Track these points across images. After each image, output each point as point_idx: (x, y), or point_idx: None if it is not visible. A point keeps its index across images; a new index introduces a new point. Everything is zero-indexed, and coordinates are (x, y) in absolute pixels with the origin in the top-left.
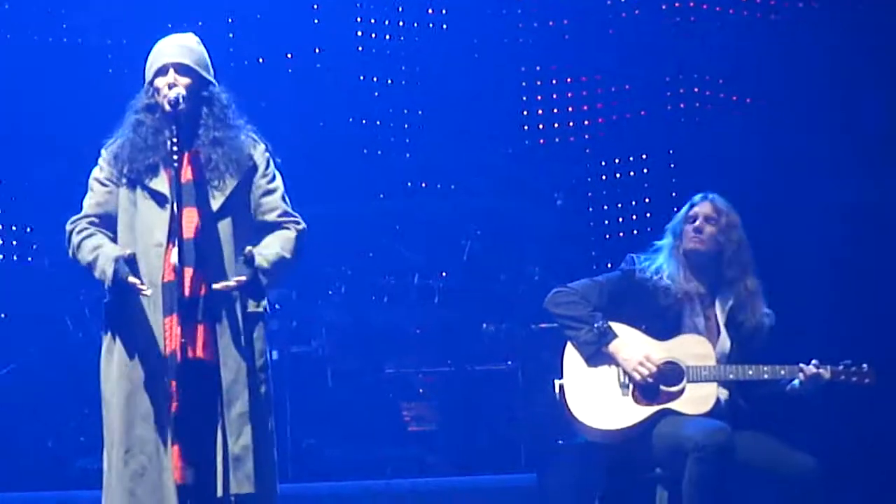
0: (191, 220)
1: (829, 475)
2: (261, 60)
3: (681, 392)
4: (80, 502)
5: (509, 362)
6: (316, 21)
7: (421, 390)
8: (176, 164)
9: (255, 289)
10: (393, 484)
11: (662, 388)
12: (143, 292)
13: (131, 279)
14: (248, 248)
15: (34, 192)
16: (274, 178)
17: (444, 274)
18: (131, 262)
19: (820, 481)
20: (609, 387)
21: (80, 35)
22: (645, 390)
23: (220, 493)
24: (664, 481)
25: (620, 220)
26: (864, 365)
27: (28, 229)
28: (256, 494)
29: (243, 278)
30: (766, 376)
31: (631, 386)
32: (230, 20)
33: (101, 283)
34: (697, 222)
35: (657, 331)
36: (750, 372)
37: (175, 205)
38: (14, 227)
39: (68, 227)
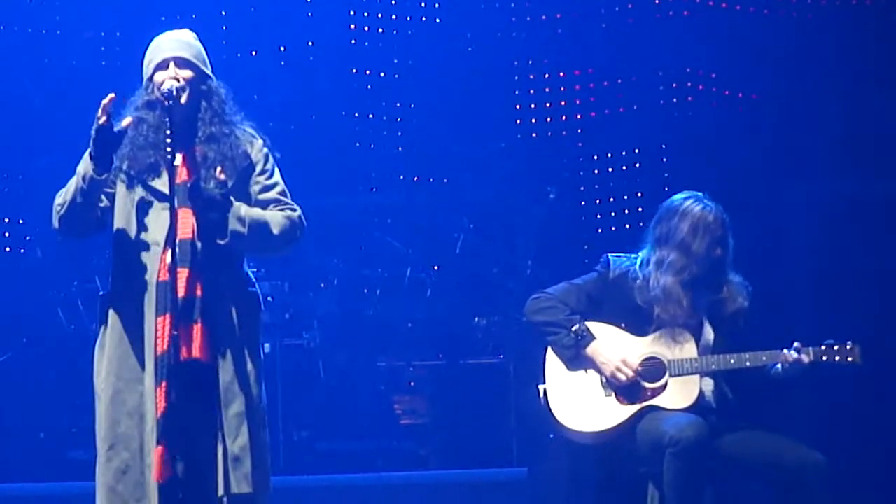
0: (186, 221)
1: (831, 467)
2: (254, 53)
3: (664, 387)
4: (72, 493)
5: (501, 356)
6: (309, 14)
7: (412, 383)
8: (171, 161)
9: (217, 216)
10: (384, 477)
11: (645, 384)
12: (125, 124)
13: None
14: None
15: (27, 185)
16: (272, 174)
17: (436, 267)
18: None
19: (827, 477)
20: (591, 388)
21: (74, 27)
22: (627, 389)
23: (220, 492)
24: (655, 479)
25: (613, 213)
26: (848, 343)
27: (20, 221)
28: (252, 494)
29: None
30: (748, 364)
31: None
32: (223, 13)
33: (95, 277)
34: (719, 251)
35: (638, 327)
36: (732, 361)
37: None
38: (7, 220)
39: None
